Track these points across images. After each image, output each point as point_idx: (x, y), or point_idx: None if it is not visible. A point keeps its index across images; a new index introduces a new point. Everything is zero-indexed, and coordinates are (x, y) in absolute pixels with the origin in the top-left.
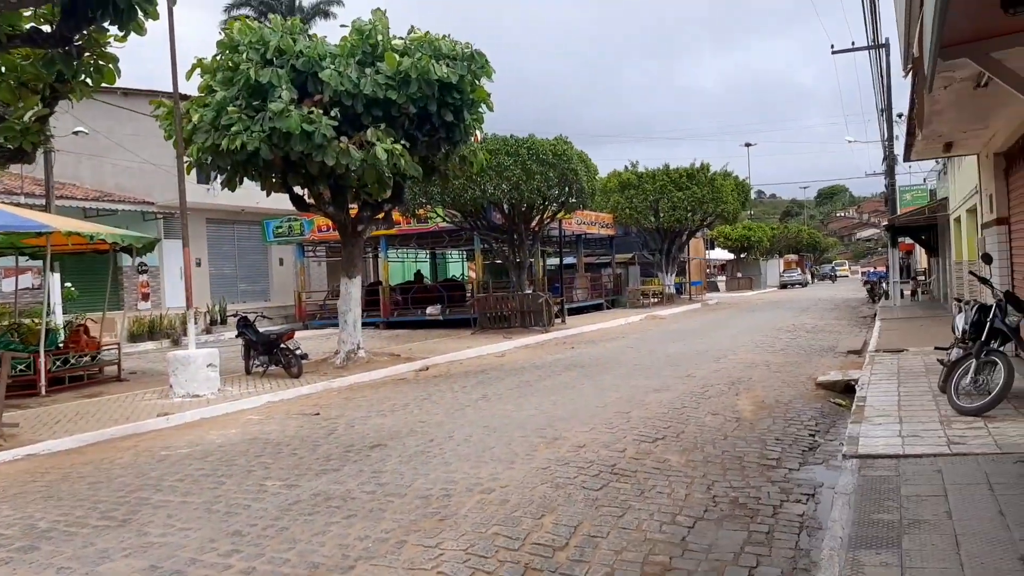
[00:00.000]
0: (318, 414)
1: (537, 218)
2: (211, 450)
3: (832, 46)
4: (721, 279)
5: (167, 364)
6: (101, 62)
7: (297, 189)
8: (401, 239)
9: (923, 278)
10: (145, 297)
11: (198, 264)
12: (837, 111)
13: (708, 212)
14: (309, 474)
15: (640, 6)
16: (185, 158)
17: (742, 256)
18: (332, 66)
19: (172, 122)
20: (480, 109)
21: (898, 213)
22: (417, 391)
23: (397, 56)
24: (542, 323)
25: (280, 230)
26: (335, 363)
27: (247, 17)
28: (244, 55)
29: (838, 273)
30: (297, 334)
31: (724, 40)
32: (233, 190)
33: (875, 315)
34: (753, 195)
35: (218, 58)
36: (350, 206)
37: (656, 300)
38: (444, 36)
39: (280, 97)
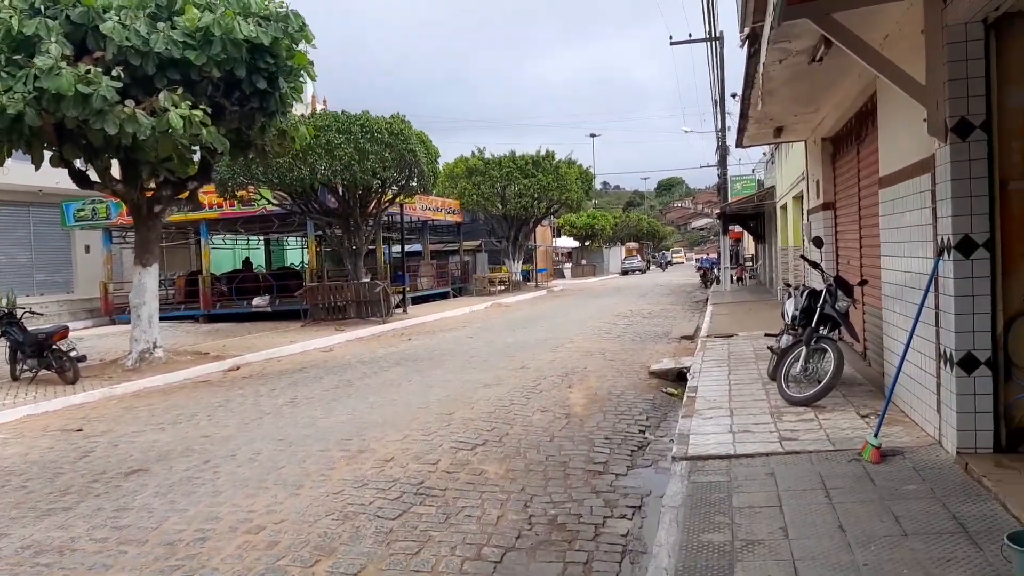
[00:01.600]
0: (80, 430)
1: (374, 202)
2: None
3: (671, 37)
4: (567, 266)
5: None
6: None
7: (80, 164)
8: (225, 223)
9: (751, 264)
10: None
11: None
12: (676, 106)
13: (553, 200)
14: (30, 516)
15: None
16: None
17: (587, 244)
18: (116, 18)
19: None
20: (300, 77)
21: (729, 201)
22: (215, 396)
23: (197, 11)
24: (380, 314)
25: (82, 213)
26: (125, 365)
27: None
28: (7, 3)
29: (672, 260)
30: (103, 329)
31: (571, 36)
32: (1, 163)
33: (707, 300)
34: (598, 186)
35: None
36: (147, 184)
37: (503, 287)
38: None
39: (48, 52)
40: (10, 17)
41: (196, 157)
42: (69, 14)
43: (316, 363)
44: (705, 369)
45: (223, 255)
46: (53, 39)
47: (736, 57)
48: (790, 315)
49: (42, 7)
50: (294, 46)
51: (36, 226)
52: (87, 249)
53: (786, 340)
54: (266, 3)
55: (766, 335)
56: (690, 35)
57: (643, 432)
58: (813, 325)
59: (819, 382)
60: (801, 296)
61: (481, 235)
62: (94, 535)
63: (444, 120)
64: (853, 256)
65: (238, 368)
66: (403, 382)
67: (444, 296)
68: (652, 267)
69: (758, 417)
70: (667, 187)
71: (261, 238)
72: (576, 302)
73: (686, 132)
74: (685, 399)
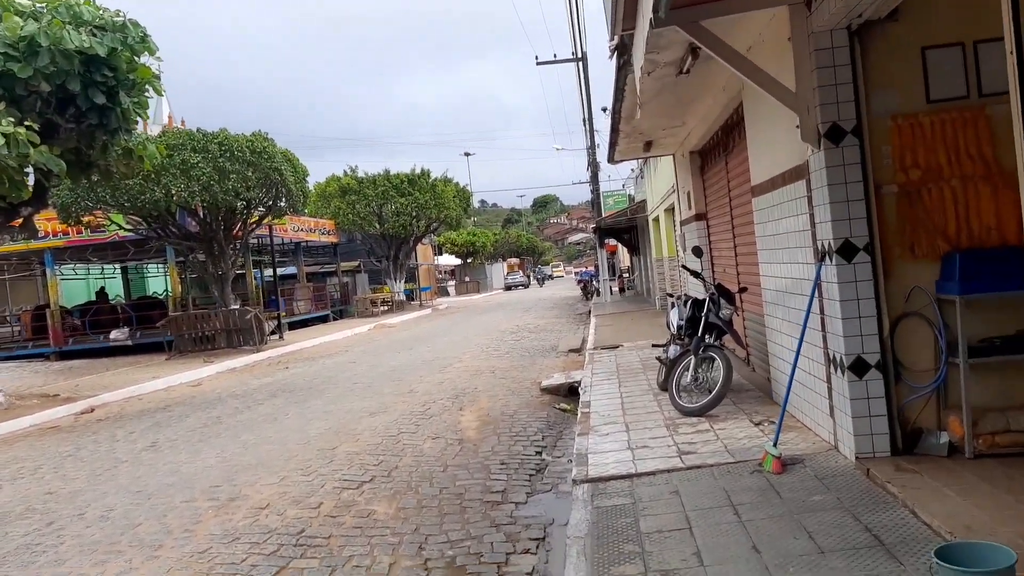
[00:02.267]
0: None
1: (239, 224)
2: None
3: (536, 57)
4: (451, 284)
5: None
6: None
7: None
8: (73, 251)
9: (628, 275)
10: None
11: None
12: (547, 125)
13: (432, 218)
14: None
15: (354, 24)
16: None
17: (469, 261)
18: None
19: None
20: (145, 92)
21: (603, 216)
22: (64, 445)
23: (19, 19)
24: (253, 342)
25: None
26: None
27: None
28: None
29: (553, 274)
30: None
31: (437, 61)
32: None
33: (590, 312)
34: (476, 204)
35: None
36: None
37: (386, 308)
38: None
39: None
40: None
41: (30, 180)
42: None
43: (182, 400)
44: (596, 382)
45: (76, 286)
46: None
47: (602, 77)
48: (675, 325)
49: None
50: (135, 58)
51: None
52: None
53: (674, 350)
54: (100, 12)
55: (653, 345)
56: (555, 55)
57: (540, 454)
58: (699, 334)
59: (710, 391)
60: (685, 306)
61: (360, 255)
62: None
63: (314, 140)
64: (729, 264)
65: (92, 410)
66: (280, 416)
67: (324, 319)
68: (533, 282)
69: (654, 431)
70: (543, 204)
71: (117, 266)
72: (462, 319)
73: (558, 150)
74: (579, 415)
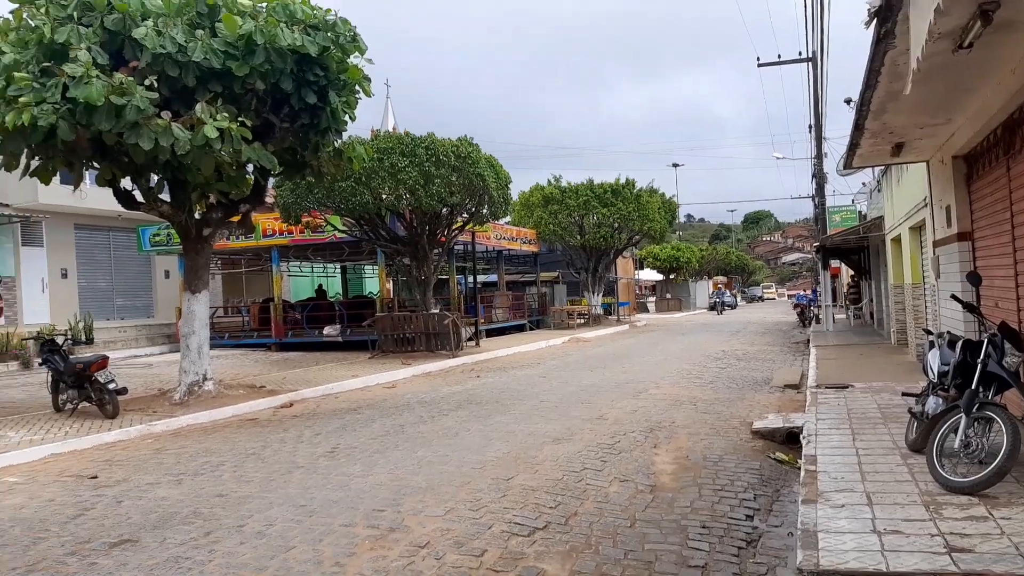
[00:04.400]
0: (95, 477)
1: (443, 229)
2: None
3: (758, 59)
4: (651, 300)
5: None
6: None
7: (128, 183)
8: (296, 250)
9: (855, 302)
10: None
11: (64, 275)
12: (761, 135)
13: (634, 230)
14: None
15: (562, 33)
16: None
17: (671, 277)
18: (151, 25)
19: None
20: (355, 92)
21: (829, 234)
22: (253, 441)
23: (238, 18)
24: (449, 347)
25: (157, 238)
26: (173, 399)
27: None
28: (43, 11)
29: (764, 295)
30: (167, 357)
31: (646, 71)
32: (46, 182)
33: (808, 341)
34: (682, 218)
35: (12, 16)
36: (195, 206)
37: (582, 321)
38: None
39: (78, 59)
40: (43, 24)
41: (251, 177)
42: (105, 21)
43: (373, 402)
44: (822, 431)
45: (302, 282)
46: (84, 46)
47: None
48: (935, 370)
49: (76, 14)
50: (346, 58)
51: (116, 251)
52: (166, 274)
53: (934, 403)
54: (313, 11)
55: (904, 394)
56: (779, 56)
57: (751, 518)
58: (973, 386)
59: (985, 462)
60: (951, 348)
61: (559, 266)
62: None
63: (517, 148)
64: (1006, 296)
65: (291, 405)
66: (461, 431)
67: (520, 329)
68: (741, 302)
69: (908, 509)
70: (754, 220)
71: (337, 265)
72: (661, 339)
73: (778, 158)
74: (803, 473)
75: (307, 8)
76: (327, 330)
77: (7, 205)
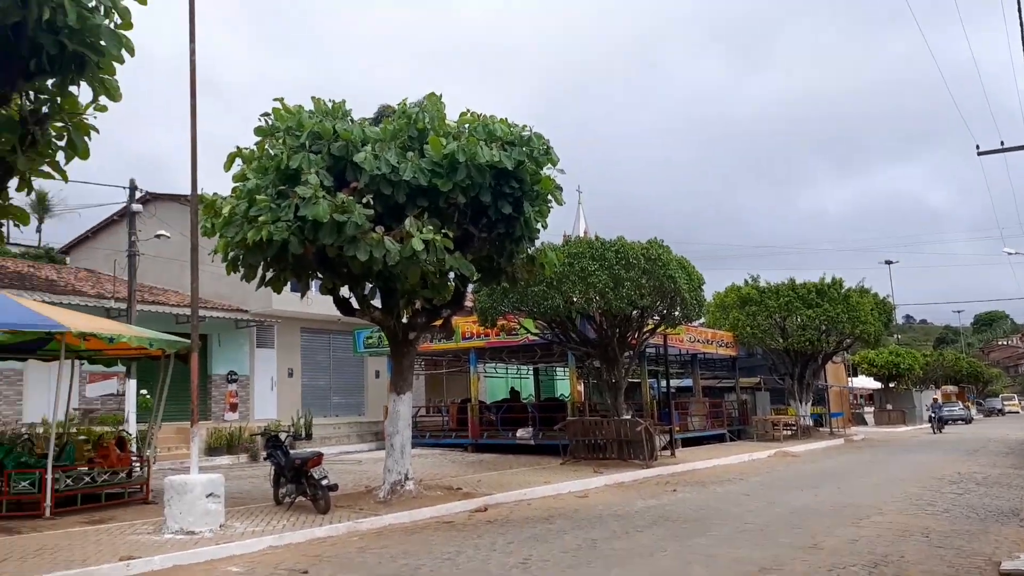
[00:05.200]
0: (305, 573)
1: (634, 332)
2: None
3: (977, 147)
4: (868, 411)
5: (164, 491)
6: (74, 135)
7: (345, 292)
8: (492, 352)
9: None
10: (233, 408)
11: (290, 375)
12: (986, 229)
13: (845, 333)
14: None
15: (745, 129)
16: (214, 255)
17: (891, 385)
18: (369, 150)
19: (208, 217)
20: (547, 202)
21: None
22: (449, 545)
23: (443, 140)
24: (642, 456)
25: (370, 340)
26: (377, 497)
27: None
28: (281, 141)
29: (1005, 408)
30: (374, 454)
31: (845, 163)
32: (278, 291)
33: None
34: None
35: (256, 147)
36: (403, 312)
37: (789, 433)
38: (501, 119)
39: (308, 182)
40: (281, 153)
41: (452, 284)
42: (331, 148)
43: (565, 511)
44: None
45: (497, 383)
46: (313, 171)
47: None
48: None
49: (307, 143)
50: (539, 170)
51: (335, 352)
52: (376, 374)
53: None
54: (510, 128)
55: None
56: (1002, 143)
57: None
58: None
59: None
60: None
61: (761, 371)
62: None
63: (709, 248)
64: None
65: (485, 509)
66: (656, 551)
67: (719, 439)
68: (977, 415)
69: None
70: (987, 322)
71: (530, 368)
72: (883, 456)
73: (1010, 254)
74: None
75: (504, 126)
76: (520, 433)
77: (246, 311)
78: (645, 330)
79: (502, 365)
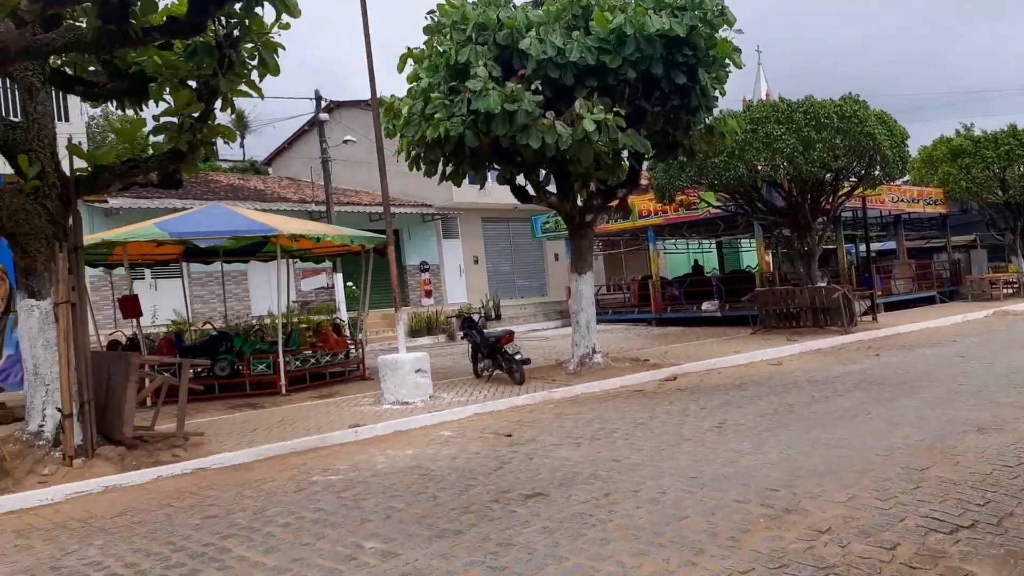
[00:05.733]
0: (510, 436)
1: (828, 196)
2: (358, 481)
3: None
4: None
5: (379, 368)
6: (264, 54)
7: (520, 180)
8: (671, 228)
9: None
10: (428, 294)
11: (475, 262)
12: None
13: None
14: (426, 535)
15: None
16: (397, 154)
17: None
18: (534, 34)
19: (389, 119)
20: (725, 67)
21: None
22: (642, 411)
23: (608, 14)
24: (840, 322)
25: (547, 225)
26: (567, 369)
27: None
28: (447, 37)
29: None
30: (560, 331)
31: None
32: (458, 184)
33: None
34: None
35: (425, 45)
36: (578, 195)
37: (1010, 291)
38: None
39: (477, 75)
40: (449, 48)
41: (626, 163)
42: (496, 38)
43: (758, 379)
44: None
45: (678, 259)
46: (482, 63)
47: None
48: None
49: (473, 35)
50: (713, 34)
51: (514, 238)
52: (556, 257)
53: None
54: None
55: None
56: None
57: None
58: None
59: None
60: None
61: (976, 228)
62: (469, 573)
63: (911, 99)
64: None
65: (675, 378)
66: (860, 414)
67: (928, 301)
68: None
69: None
70: None
71: (712, 241)
72: None
73: None
74: None
75: None
76: (705, 305)
77: (431, 206)
78: (840, 193)
79: (682, 241)
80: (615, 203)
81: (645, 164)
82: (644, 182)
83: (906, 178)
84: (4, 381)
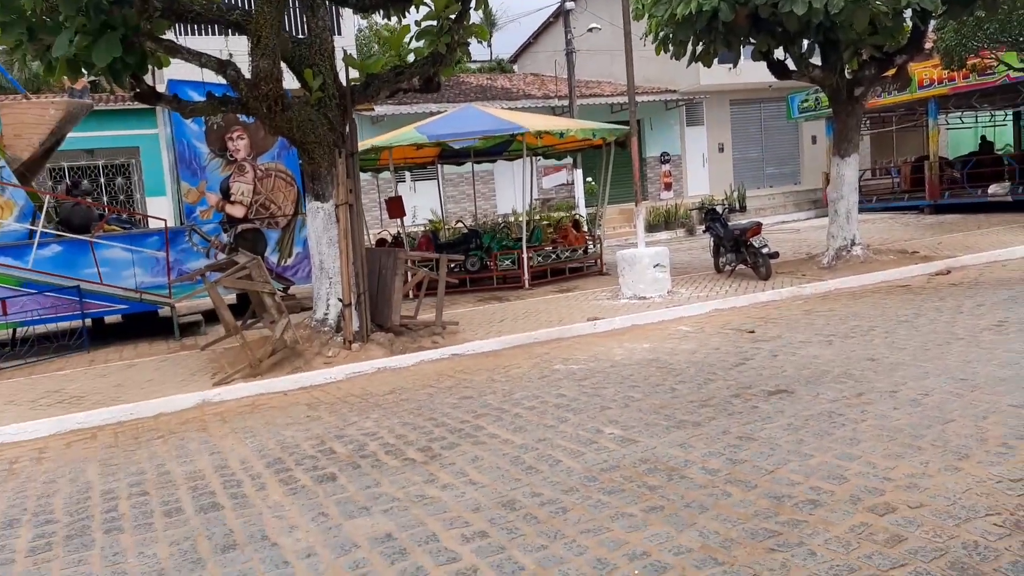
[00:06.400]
0: (752, 332)
1: None
2: (597, 370)
3: None
4: None
5: (617, 263)
6: None
7: (780, 54)
8: (957, 99)
9: None
10: (667, 187)
11: (720, 150)
12: None
13: None
14: (664, 424)
15: None
16: (645, 36)
17: None
18: None
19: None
20: None
21: None
22: (905, 308)
23: None
24: None
25: (805, 104)
26: (821, 263)
27: None
28: None
29: None
30: (822, 221)
31: None
32: (708, 65)
33: None
34: None
35: None
36: (847, 65)
37: None
38: None
39: None
40: None
41: (907, 24)
42: None
43: None
44: None
45: (962, 136)
46: None
47: None
48: None
49: None
50: None
51: (765, 121)
52: (813, 140)
53: None
54: None
55: None
56: None
57: None
58: None
59: None
60: None
61: None
62: (708, 464)
63: None
64: None
65: (948, 272)
66: None
67: None
68: None
69: None
70: None
71: (1009, 113)
72: None
73: None
74: None
75: None
76: (993, 188)
77: (675, 91)
78: None
79: (969, 114)
80: (892, 72)
81: (932, 24)
82: (928, 46)
83: None
84: (295, 275)
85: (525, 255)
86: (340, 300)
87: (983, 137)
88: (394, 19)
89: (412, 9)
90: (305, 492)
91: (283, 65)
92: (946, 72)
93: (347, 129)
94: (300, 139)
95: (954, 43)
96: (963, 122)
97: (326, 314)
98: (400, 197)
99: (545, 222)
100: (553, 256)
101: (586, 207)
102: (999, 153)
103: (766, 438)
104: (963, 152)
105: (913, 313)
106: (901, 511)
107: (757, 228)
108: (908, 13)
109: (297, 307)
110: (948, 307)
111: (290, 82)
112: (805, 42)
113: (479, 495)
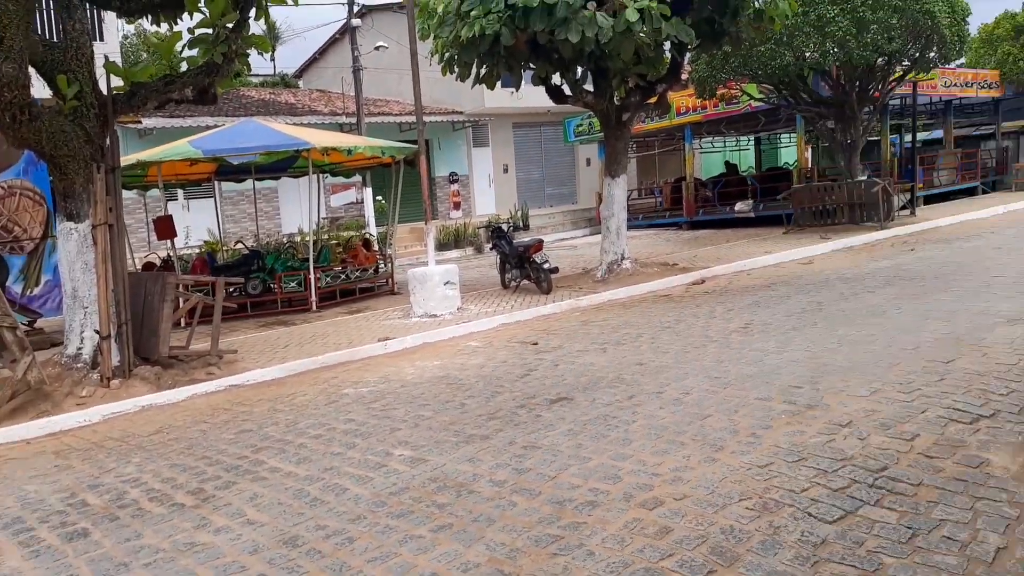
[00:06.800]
0: (536, 344)
1: (878, 84)
2: (388, 392)
3: None
4: None
5: (408, 282)
6: None
7: (556, 79)
8: (709, 125)
9: None
10: (456, 206)
11: (505, 171)
12: None
13: None
14: (453, 441)
15: None
16: (431, 56)
17: None
18: None
19: (423, 19)
20: None
21: None
22: (668, 315)
23: None
24: (877, 218)
25: (580, 128)
26: (595, 277)
27: None
28: None
29: None
30: (596, 238)
31: None
32: (492, 87)
33: None
34: None
35: None
36: (615, 91)
37: None
38: None
39: None
40: None
41: (667, 56)
42: None
43: (788, 278)
44: None
45: (713, 159)
46: None
47: None
48: None
49: None
50: None
51: (545, 144)
52: (587, 162)
53: None
54: None
55: None
56: None
57: None
58: None
59: None
60: None
61: None
62: (495, 476)
63: None
64: None
65: (703, 281)
66: (889, 310)
67: (970, 193)
68: None
69: None
70: None
71: (751, 138)
72: None
73: None
74: None
75: None
76: (739, 206)
77: (461, 112)
78: (891, 79)
79: (719, 140)
80: (654, 99)
81: (687, 56)
82: (685, 76)
83: (961, 61)
84: (42, 306)
85: (312, 276)
86: (97, 332)
87: (727, 161)
88: (164, 26)
89: (185, 16)
90: (50, 553)
91: (32, 71)
92: (699, 101)
93: (107, 142)
94: (51, 152)
95: (706, 74)
96: (713, 146)
97: (80, 348)
98: (170, 216)
99: (334, 241)
100: (343, 276)
101: (377, 226)
102: (744, 174)
103: (549, 445)
104: (714, 174)
105: (675, 319)
106: (668, 504)
107: (539, 245)
108: (668, 45)
109: (46, 342)
110: (703, 313)
111: (42, 90)
112: (579, 69)
113: (257, 535)
